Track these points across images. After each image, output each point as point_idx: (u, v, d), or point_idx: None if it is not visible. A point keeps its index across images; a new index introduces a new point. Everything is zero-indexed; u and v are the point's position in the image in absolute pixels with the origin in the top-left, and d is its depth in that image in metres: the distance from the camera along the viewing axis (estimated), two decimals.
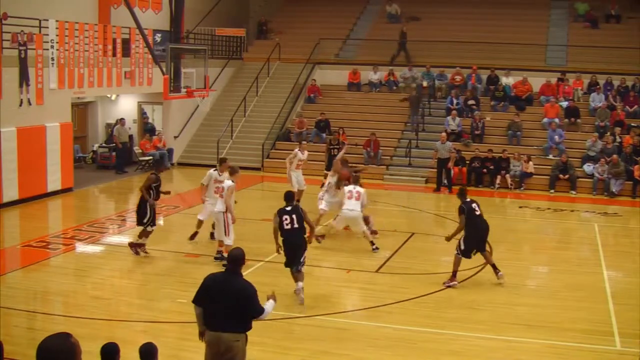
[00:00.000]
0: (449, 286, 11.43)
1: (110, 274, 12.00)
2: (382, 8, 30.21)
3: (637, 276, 12.30)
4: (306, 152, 17.70)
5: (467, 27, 27.00)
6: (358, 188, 13.61)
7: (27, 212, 16.64)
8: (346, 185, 13.88)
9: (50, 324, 9.39)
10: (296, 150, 17.67)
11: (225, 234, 12.19)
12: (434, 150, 20.93)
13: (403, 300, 10.73)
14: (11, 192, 16.76)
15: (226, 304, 6.45)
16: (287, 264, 10.55)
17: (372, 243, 13.60)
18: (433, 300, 10.79)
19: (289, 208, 10.56)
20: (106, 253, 13.76)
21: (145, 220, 12.64)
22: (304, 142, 18.52)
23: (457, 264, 11.59)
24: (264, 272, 12.13)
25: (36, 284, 11.31)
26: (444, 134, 21.18)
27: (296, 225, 10.36)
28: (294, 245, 10.36)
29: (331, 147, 20.42)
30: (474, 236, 11.61)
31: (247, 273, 11.78)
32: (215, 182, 13.05)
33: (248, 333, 6.63)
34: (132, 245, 12.84)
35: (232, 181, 12.33)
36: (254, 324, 6.68)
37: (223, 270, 7.11)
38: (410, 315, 10.14)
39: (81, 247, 13.65)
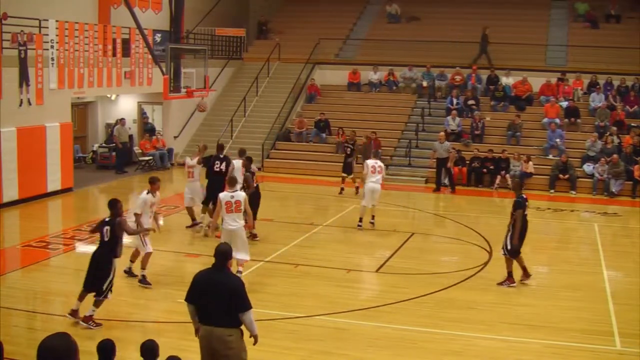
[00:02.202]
0: (509, 286, 11.43)
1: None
2: (382, 8, 30.21)
3: (637, 276, 12.31)
4: (196, 158, 15.06)
5: (467, 27, 26.99)
6: (380, 162, 15.31)
7: (27, 212, 16.64)
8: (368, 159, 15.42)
9: (50, 324, 9.39)
10: (186, 158, 15.76)
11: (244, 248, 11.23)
12: (432, 150, 20.93)
13: (403, 300, 10.73)
14: (11, 192, 16.76)
15: (215, 299, 6.54)
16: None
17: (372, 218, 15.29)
18: (433, 300, 10.79)
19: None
20: None
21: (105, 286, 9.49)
22: (202, 145, 15.75)
23: (510, 264, 11.47)
24: (264, 272, 12.14)
25: (36, 284, 11.31)
26: (442, 133, 21.18)
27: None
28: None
29: (345, 145, 20.03)
30: (523, 234, 11.41)
31: (247, 273, 11.82)
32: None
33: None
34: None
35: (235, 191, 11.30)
36: (257, 324, 6.66)
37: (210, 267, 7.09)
38: (410, 315, 10.14)
39: (81, 247, 13.65)
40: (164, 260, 12.98)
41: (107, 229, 9.50)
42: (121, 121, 23.18)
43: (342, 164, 20.00)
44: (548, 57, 26.14)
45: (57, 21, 18.10)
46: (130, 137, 23.92)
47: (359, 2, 30.89)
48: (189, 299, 6.70)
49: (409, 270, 12.54)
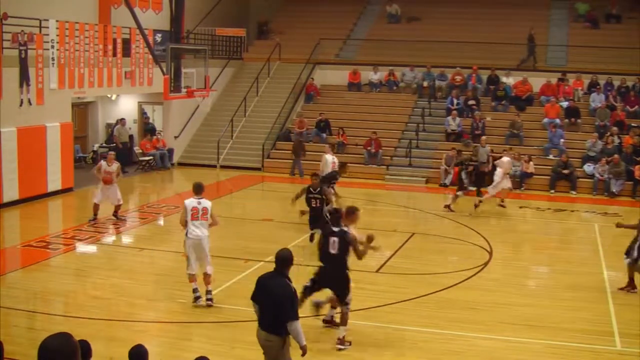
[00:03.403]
0: (630, 292, 11.35)
1: (110, 274, 12.00)
2: (382, 8, 30.21)
3: (637, 276, 12.28)
4: (115, 164, 15.49)
5: (467, 27, 27.00)
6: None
7: (27, 212, 16.64)
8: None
9: (50, 324, 9.38)
10: (101, 161, 15.95)
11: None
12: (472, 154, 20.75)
13: (403, 300, 10.73)
14: (11, 192, 16.77)
15: (265, 303, 6.70)
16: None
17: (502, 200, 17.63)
18: (433, 301, 10.79)
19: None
20: (106, 253, 13.77)
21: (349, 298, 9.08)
22: (111, 153, 16.22)
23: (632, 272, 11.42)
24: (264, 272, 12.08)
25: (36, 284, 11.30)
26: (484, 137, 21.14)
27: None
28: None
29: (468, 163, 18.28)
30: None
31: (247, 273, 11.83)
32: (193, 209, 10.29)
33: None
34: None
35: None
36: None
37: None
38: (410, 315, 10.13)
39: (81, 247, 13.66)
40: (164, 261, 13.02)
41: (334, 240, 8.83)
42: (121, 121, 23.21)
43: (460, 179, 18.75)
44: (548, 57, 26.13)
45: (57, 21, 18.10)
46: (131, 137, 23.94)
47: (359, 2, 30.89)
48: (253, 297, 6.93)
49: (409, 270, 12.54)
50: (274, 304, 6.61)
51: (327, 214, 9.49)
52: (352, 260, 12.91)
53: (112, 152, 16.27)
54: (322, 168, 16.24)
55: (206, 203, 10.31)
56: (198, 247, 10.21)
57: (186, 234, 10.24)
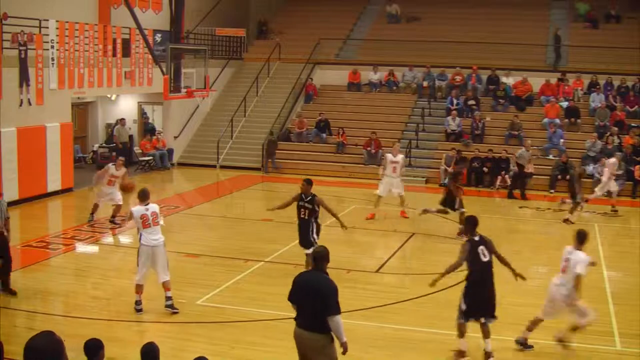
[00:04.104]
0: None
1: (110, 274, 11.99)
2: (382, 8, 30.22)
3: (637, 276, 12.31)
4: (123, 170, 15.18)
5: (467, 27, 27.00)
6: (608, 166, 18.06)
7: (27, 212, 16.63)
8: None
9: (50, 324, 9.37)
10: (109, 164, 15.59)
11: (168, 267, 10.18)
12: (517, 156, 20.63)
13: (403, 300, 10.73)
14: (11, 192, 16.73)
15: (306, 301, 6.60)
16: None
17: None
18: (433, 301, 10.76)
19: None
20: (106, 253, 13.77)
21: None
22: (120, 158, 15.78)
23: None
24: (264, 272, 12.14)
25: (36, 284, 11.30)
26: (530, 140, 21.06)
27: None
28: None
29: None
30: None
31: (247, 273, 11.84)
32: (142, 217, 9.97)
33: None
34: None
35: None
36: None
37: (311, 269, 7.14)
38: (410, 315, 10.13)
39: (81, 247, 13.65)
40: None
41: (482, 249, 8.87)
42: (121, 121, 23.22)
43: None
44: (548, 57, 26.14)
45: (57, 21, 18.10)
46: (131, 137, 23.95)
47: (359, 2, 30.90)
48: (290, 297, 6.83)
49: (409, 270, 12.53)
50: (317, 300, 6.51)
51: (463, 223, 8.98)
52: (349, 260, 12.94)
53: (122, 158, 15.87)
54: (384, 166, 16.87)
55: (154, 207, 10.08)
56: (153, 255, 9.91)
57: (140, 242, 9.96)
